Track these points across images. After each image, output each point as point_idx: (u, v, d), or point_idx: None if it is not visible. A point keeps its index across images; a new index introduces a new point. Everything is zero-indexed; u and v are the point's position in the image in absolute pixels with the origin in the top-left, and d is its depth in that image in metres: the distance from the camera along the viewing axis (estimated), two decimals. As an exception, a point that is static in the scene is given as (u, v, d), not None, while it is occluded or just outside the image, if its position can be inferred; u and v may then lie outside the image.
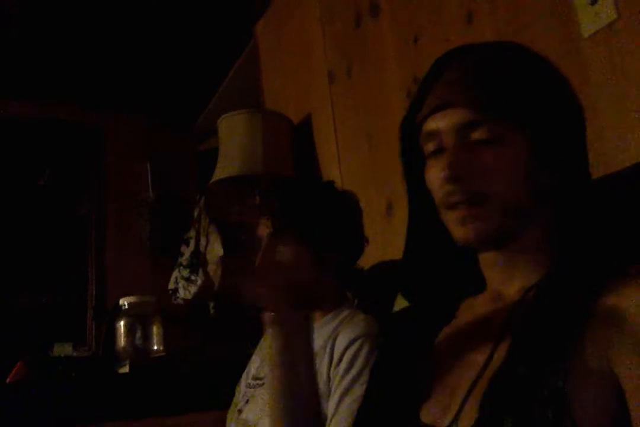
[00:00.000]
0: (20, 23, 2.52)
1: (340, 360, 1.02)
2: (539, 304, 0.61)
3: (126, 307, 2.07)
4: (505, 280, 0.69)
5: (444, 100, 0.67)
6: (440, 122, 0.67)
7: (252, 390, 1.20)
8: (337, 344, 1.05)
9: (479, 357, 0.62)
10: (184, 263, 2.91)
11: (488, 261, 0.71)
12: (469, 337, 0.68)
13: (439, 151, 0.68)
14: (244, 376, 1.30)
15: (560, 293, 0.60)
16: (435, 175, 0.68)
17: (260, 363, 1.25)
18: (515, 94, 0.66)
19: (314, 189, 1.25)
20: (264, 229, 1.17)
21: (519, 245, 0.67)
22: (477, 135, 0.65)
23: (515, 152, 0.65)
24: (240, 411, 1.18)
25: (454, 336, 0.71)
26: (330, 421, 0.97)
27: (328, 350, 1.05)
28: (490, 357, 0.61)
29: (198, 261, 2.89)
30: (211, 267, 2.85)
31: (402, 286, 0.81)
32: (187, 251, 2.95)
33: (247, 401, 1.18)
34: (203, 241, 2.92)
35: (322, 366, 1.04)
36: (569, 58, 1.15)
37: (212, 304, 2.91)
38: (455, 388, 0.63)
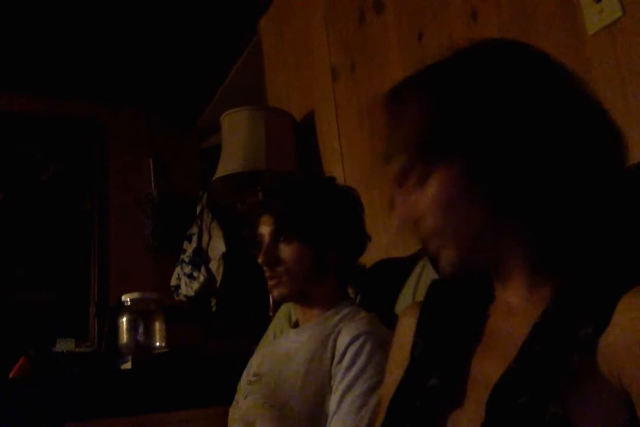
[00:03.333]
0: (22, 18, 2.52)
1: (342, 357, 1.02)
2: (547, 331, 0.59)
3: (128, 303, 2.07)
4: (505, 289, 0.68)
5: None
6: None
7: (250, 386, 1.19)
8: (339, 341, 1.04)
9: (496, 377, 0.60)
10: (186, 260, 2.92)
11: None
12: (490, 353, 0.66)
13: None
14: (244, 373, 1.30)
15: (570, 317, 0.58)
16: None
17: (261, 360, 1.25)
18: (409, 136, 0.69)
19: (314, 186, 1.24)
20: (265, 228, 1.17)
21: (501, 256, 0.66)
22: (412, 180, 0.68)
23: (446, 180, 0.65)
24: (240, 408, 1.18)
25: (481, 349, 0.68)
26: (332, 417, 0.97)
27: (330, 347, 1.05)
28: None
29: (200, 258, 2.89)
30: (213, 264, 2.85)
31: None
32: (189, 248, 2.96)
33: (245, 397, 1.18)
34: (205, 238, 2.93)
35: (322, 362, 1.04)
36: (573, 55, 1.15)
37: (214, 301, 2.92)
38: (476, 405, 0.61)
